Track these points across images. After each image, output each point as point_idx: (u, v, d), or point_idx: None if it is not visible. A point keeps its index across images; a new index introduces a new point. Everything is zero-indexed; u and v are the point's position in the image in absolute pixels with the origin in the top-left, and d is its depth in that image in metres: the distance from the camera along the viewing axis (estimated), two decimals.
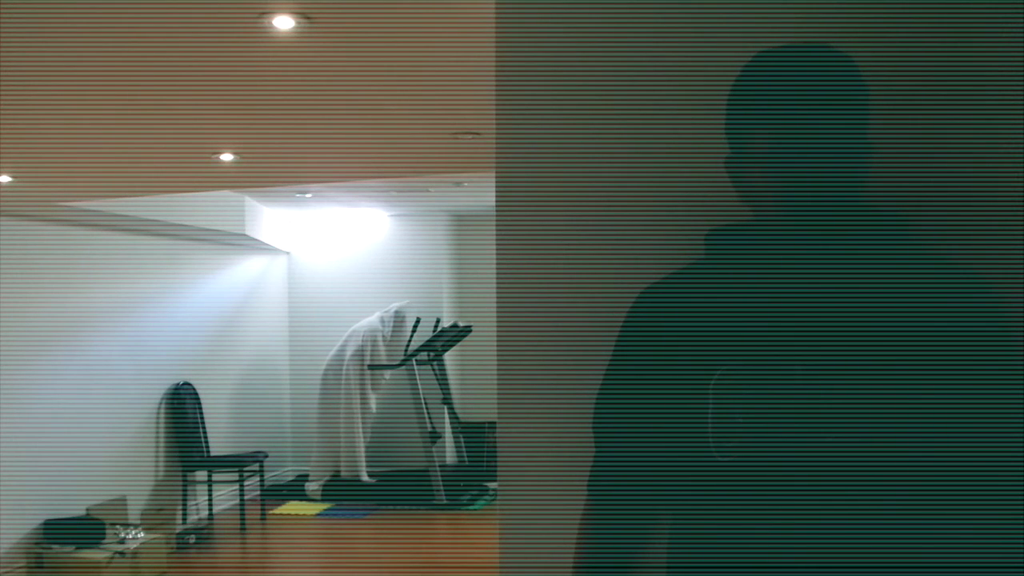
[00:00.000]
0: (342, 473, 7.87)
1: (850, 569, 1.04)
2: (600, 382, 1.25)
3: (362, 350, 7.88)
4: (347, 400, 7.88)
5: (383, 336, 8.00)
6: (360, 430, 7.87)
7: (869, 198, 1.13)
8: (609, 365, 1.25)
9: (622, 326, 1.23)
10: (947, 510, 1.03)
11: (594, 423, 1.26)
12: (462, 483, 7.71)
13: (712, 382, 1.09)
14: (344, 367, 7.88)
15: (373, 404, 8.04)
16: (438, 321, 8.00)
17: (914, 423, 1.03)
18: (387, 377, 8.00)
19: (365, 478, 7.76)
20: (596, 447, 1.26)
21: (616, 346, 1.24)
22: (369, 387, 7.98)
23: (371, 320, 8.04)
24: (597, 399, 1.25)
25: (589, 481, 1.26)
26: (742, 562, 1.09)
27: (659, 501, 1.23)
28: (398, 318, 8.09)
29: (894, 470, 1.04)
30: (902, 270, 1.10)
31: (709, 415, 1.09)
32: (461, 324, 7.88)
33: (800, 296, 1.09)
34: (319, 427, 7.97)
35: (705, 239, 1.21)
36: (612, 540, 1.26)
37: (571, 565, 1.26)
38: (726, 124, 1.16)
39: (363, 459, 7.85)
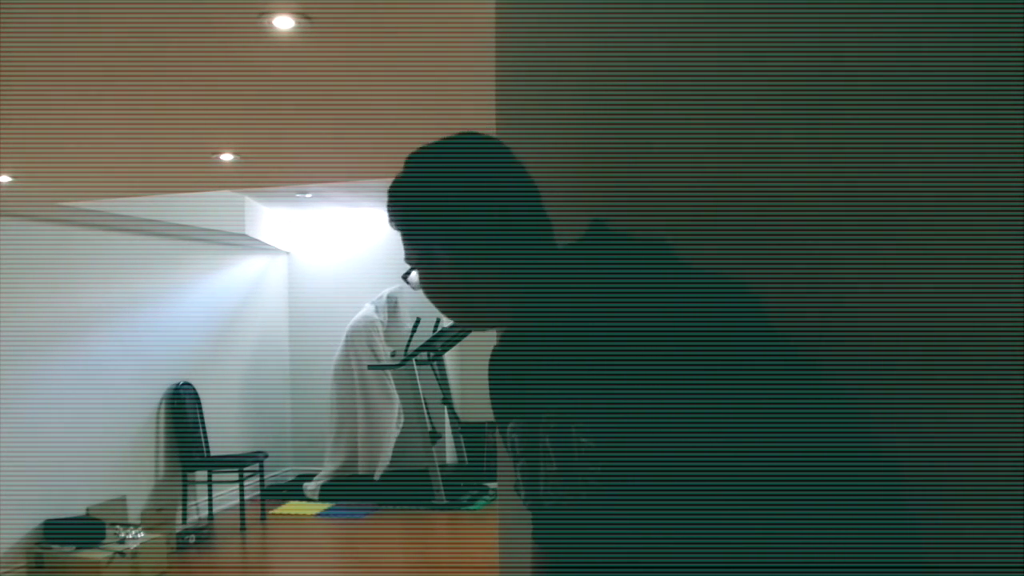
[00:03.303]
0: (361, 471, 7.92)
1: None
2: None
3: (372, 346, 7.91)
4: (365, 399, 7.94)
5: (382, 323, 8.03)
6: (393, 427, 7.96)
7: (610, 234, 1.17)
8: None
9: None
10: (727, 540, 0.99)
11: None
12: (462, 483, 7.72)
13: (506, 437, 1.22)
14: (356, 365, 7.95)
15: (397, 402, 8.07)
16: (438, 321, 8.00)
17: (672, 442, 1.00)
18: (389, 375, 8.01)
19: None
20: None
21: None
22: (392, 385, 8.02)
23: (367, 312, 8.05)
24: None
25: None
26: None
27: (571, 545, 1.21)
28: (391, 303, 8.11)
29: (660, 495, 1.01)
30: (632, 293, 1.07)
31: (515, 469, 1.21)
32: None
33: (545, 352, 1.15)
34: (336, 425, 8.02)
35: None
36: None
37: None
38: (413, 239, 1.18)
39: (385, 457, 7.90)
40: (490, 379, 1.31)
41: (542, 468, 1.13)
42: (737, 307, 1.06)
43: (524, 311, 1.17)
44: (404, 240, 1.19)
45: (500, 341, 1.32)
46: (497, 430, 1.31)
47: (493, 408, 1.31)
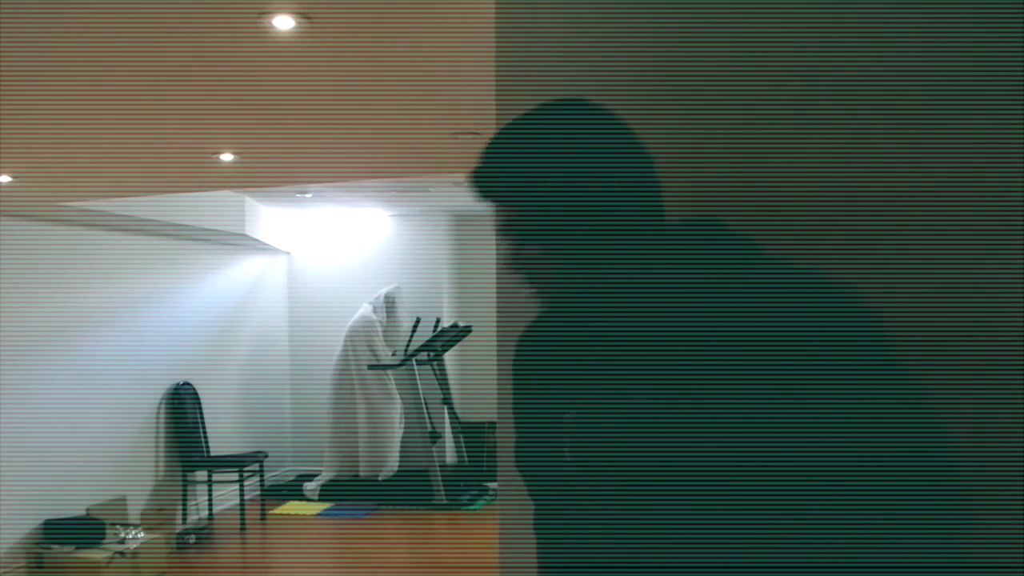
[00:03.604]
0: (361, 474, 7.93)
1: None
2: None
3: (372, 347, 7.91)
4: (366, 400, 7.95)
5: (380, 323, 8.03)
6: (396, 428, 7.99)
7: (710, 223, 1.12)
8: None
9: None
10: (815, 529, 0.99)
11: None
12: (462, 483, 7.72)
13: (565, 425, 1.10)
14: (356, 366, 7.95)
15: (399, 402, 8.08)
16: (438, 321, 8.00)
17: (771, 433, 0.99)
18: (389, 375, 8.02)
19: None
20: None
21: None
22: (392, 384, 8.03)
23: (364, 312, 8.05)
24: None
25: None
26: None
27: (579, 538, 1.16)
28: (388, 302, 8.11)
29: (760, 491, 0.99)
30: (742, 287, 1.06)
31: (566, 456, 1.10)
32: (461, 324, 7.88)
33: (636, 333, 1.08)
34: (333, 428, 8.02)
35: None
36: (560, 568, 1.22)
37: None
38: (499, 196, 1.10)
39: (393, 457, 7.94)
40: (534, 364, 1.21)
41: (626, 456, 1.05)
42: (847, 309, 1.04)
43: (627, 289, 1.08)
44: (498, 211, 1.09)
45: (544, 318, 1.21)
46: (528, 422, 1.21)
47: (533, 396, 1.20)
